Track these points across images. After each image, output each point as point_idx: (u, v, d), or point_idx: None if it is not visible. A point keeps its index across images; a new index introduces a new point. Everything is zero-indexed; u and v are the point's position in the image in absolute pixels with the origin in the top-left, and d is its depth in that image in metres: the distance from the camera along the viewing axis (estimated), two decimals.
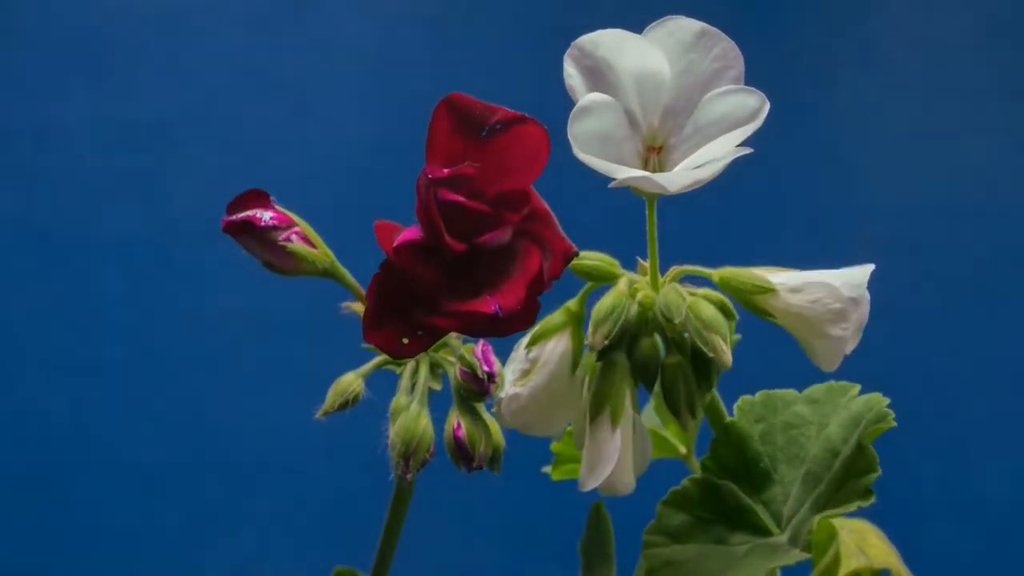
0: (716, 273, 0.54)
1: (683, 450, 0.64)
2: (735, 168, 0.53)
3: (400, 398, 0.57)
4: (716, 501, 0.56)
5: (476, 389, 0.56)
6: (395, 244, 0.50)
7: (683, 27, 0.52)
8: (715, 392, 0.56)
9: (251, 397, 1.31)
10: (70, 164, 1.34)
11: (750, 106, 0.51)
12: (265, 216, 0.57)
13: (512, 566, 1.30)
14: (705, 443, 0.59)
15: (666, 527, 0.56)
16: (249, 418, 1.31)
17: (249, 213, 0.56)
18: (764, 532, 0.55)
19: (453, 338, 0.56)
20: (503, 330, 0.50)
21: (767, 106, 0.51)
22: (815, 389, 0.57)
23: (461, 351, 0.57)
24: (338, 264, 0.57)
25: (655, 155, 0.52)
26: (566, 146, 0.50)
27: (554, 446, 0.65)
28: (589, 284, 0.55)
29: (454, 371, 0.57)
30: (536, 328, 0.55)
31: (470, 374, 0.56)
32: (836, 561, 0.53)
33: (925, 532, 1.24)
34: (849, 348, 0.55)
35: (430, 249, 0.50)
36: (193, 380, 1.32)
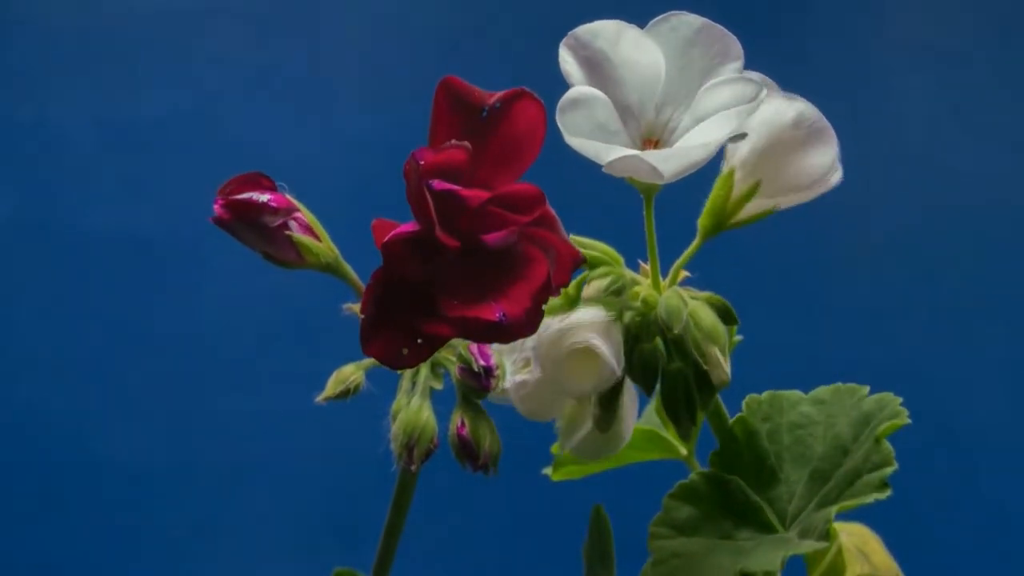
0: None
1: (683, 451, 0.64)
2: None
3: (401, 399, 0.56)
4: (723, 496, 0.56)
5: (474, 384, 0.56)
6: (385, 239, 0.49)
7: (685, 22, 0.52)
8: (717, 398, 0.56)
9: (251, 397, 1.31)
10: (70, 164, 1.34)
11: (748, 94, 0.51)
12: (262, 199, 0.55)
13: (513, 568, 1.30)
14: (705, 444, 0.59)
15: (672, 520, 0.56)
16: (249, 418, 1.31)
17: (246, 196, 0.55)
18: (769, 529, 0.55)
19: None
20: (506, 338, 0.49)
21: (764, 92, 0.50)
22: (822, 390, 0.58)
23: (460, 348, 0.56)
24: (342, 259, 0.57)
25: (652, 148, 0.52)
26: (565, 149, 0.50)
27: (554, 448, 0.65)
28: (586, 273, 0.54)
29: (455, 369, 0.56)
30: None
31: (467, 369, 0.56)
32: (839, 564, 0.53)
33: (924, 533, 1.24)
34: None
35: (425, 245, 0.49)
36: (193, 380, 1.32)
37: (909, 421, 0.54)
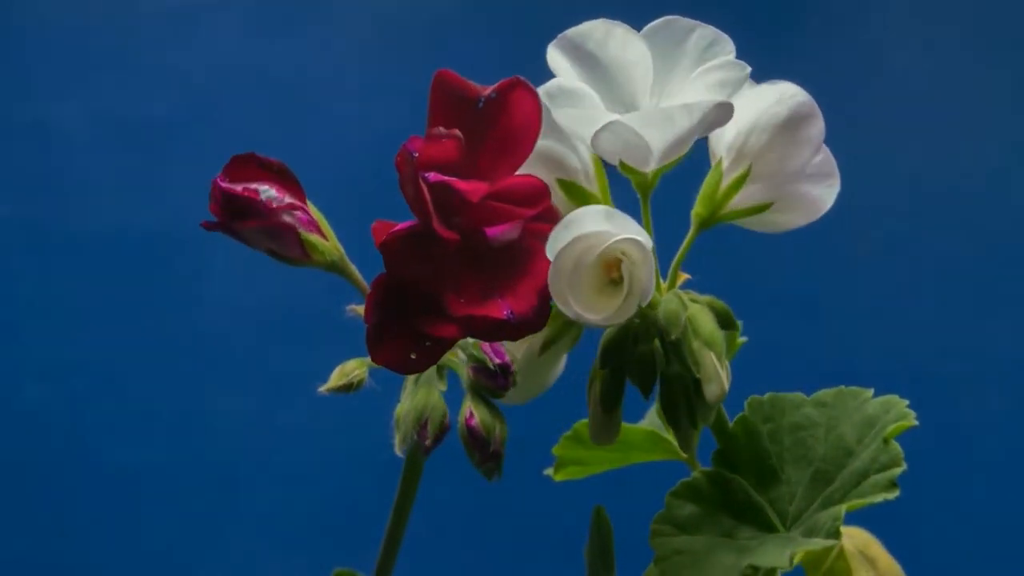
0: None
1: (685, 453, 0.64)
2: None
3: (405, 401, 0.56)
4: (725, 495, 0.56)
5: (491, 384, 0.55)
6: (383, 238, 0.48)
7: (680, 26, 0.52)
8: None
9: (252, 397, 1.31)
10: (70, 164, 1.34)
11: (734, 70, 0.51)
12: (268, 194, 0.54)
13: (515, 568, 1.30)
14: (707, 445, 0.59)
15: (674, 517, 0.56)
16: (250, 418, 1.31)
17: (247, 192, 0.54)
18: (770, 529, 0.55)
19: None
20: (514, 335, 0.49)
21: (749, 69, 0.51)
22: (824, 393, 0.58)
23: (470, 349, 0.56)
24: (347, 258, 0.56)
25: None
26: None
27: (555, 450, 0.65)
28: None
29: (464, 371, 0.56)
30: None
31: (482, 369, 0.55)
32: (841, 569, 0.53)
33: (924, 534, 1.24)
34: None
35: (424, 241, 0.49)
36: (192, 380, 1.32)
37: (916, 423, 0.54)
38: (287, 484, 1.31)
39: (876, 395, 0.56)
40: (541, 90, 0.51)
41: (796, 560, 0.53)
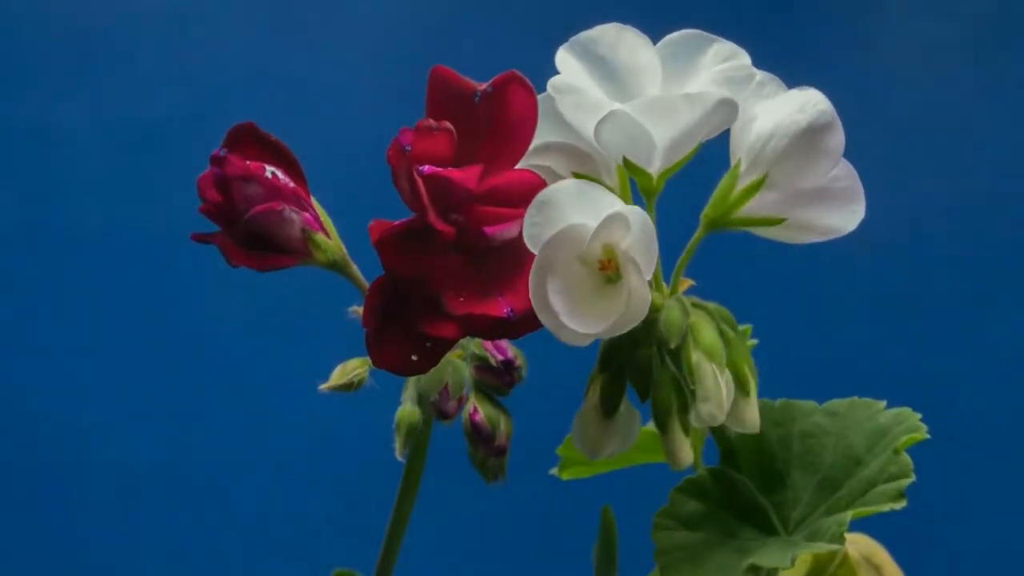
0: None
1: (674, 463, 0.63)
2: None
3: (407, 406, 0.55)
4: (729, 494, 0.56)
5: (496, 381, 0.55)
6: (378, 236, 0.48)
7: (700, 39, 0.52)
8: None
9: (251, 397, 1.31)
10: (70, 164, 1.34)
11: (739, 76, 0.51)
12: (276, 174, 0.53)
13: (518, 569, 1.30)
14: (712, 448, 0.59)
15: (677, 513, 0.56)
16: (250, 418, 1.31)
17: (254, 164, 0.53)
18: (771, 532, 0.55)
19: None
20: (512, 334, 0.49)
21: (755, 71, 0.51)
22: (837, 403, 0.58)
23: (472, 348, 0.55)
24: (348, 258, 0.55)
25: None
26: None
27: (559, 450, 0.65)
28: None
29: (468, 371, 0.55)
30: None
31: (485, 367, 0.55)
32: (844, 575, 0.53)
33: (928, 540, 1.24)
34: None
35: (420, 237, 0.48)
36: (192, 380, 1.32)
37: (928, 436, 0.54)
38: (287, 484, 1.31)
39: (886, 406, 0.56)
40: (548, 84, 0.51)
41: (799, 562, 0.53)
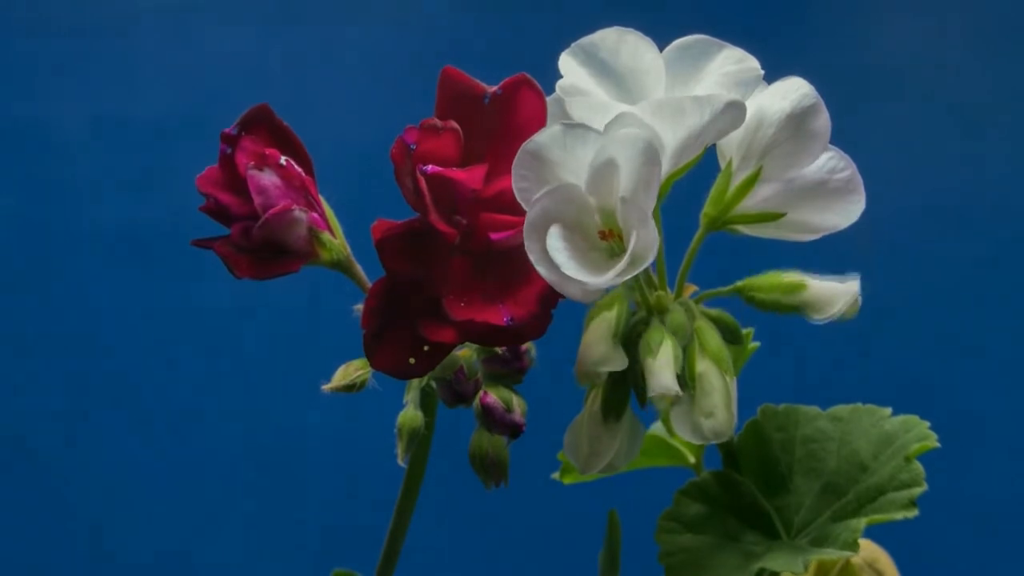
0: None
1: (692, 459, 0.63)
2: None
3: (409, 409, 0.55)
4: (733, 497, 0.56)
5: (507, 369, 0.55)
6: (380, 235, 0.48)
7: (709, 45, 0.52)
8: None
9: (252, 398, 1.31)
10: (70, 164, 1.34)
11: (747, 78, 0.51)
12: (297, 215, 0.52)
13: (520, 572, 1.30)
14: (714, 452, 0.59)
15: (681, 515, 0.56)
16: (249, 418, 1.30)
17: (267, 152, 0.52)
18: (774, 536, 0.55)
19: None
20: (511, 342, 0.49)
21: (762, 72, 0.51)
22: (840, 408, 0.58)
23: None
24: (352, 258, 0.55)
25: None
26: None
27: (561, 455, 0.65)
28: None
29: (479, 362, 0.55)
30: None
31: (494, 358, 0.54)
32: None
33: (932, 545, 1.24)
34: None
35: (422, 239, 0.48)
36: (193, 380, 1.31)
37: (938, 445, 0.54)
38: (288, 485, 1.31)
39: (891, 413, 0.56)
40: (557, 86, 0.51)
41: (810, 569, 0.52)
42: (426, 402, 0.56)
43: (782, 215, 0.53)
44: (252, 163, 0.51)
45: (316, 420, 1.27)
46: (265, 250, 0.52)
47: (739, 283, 0.54)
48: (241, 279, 0.53)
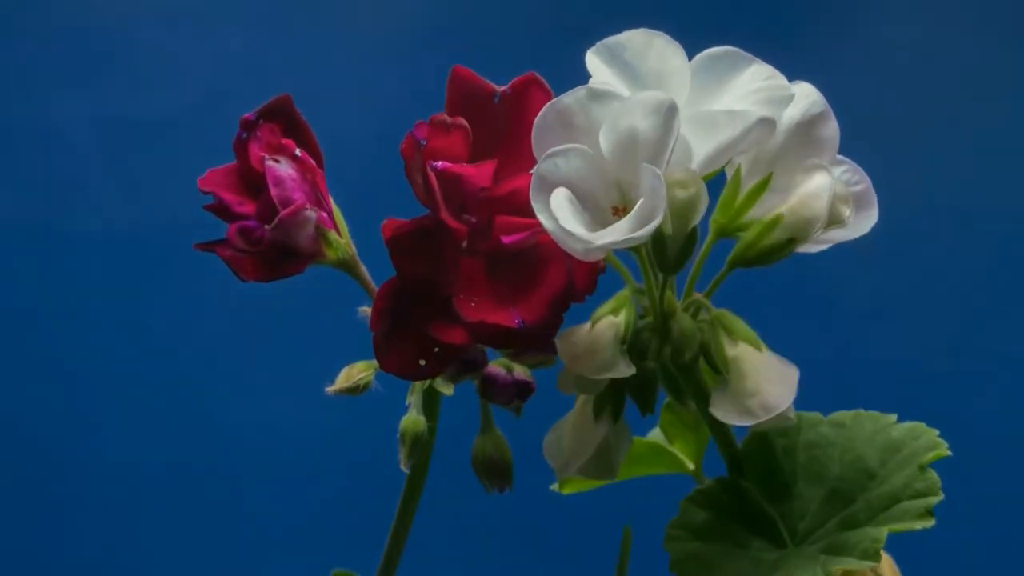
0: None
1: (691, 466, 0.63)
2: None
3: (411, 414, 0.55)
4: (739, 504, 0.56)
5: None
6: (390, 233, 0.48)
7: (740, 58, 0.52)
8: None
9: (252, 398, 1.31)
10: (70, 164, 1.34)
11: (779, 96, 0.50)
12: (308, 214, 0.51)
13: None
14: (712, 459, 0.59)
15: (689, 523, 0.56)
16: (250, 419, 1.30)
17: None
18: (780, 543, 0.55)
19: None
20: (521, 345, 0.49)
21: (793, 92, 0.50)
22: (842, 414, 0.57)
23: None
24: (358, 258, 0.55)
25: None
26: None
27: None
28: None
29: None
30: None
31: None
32: None
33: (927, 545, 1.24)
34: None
35: (432, 237, 0.48)
36: (193, 381, 1.31)
37: (950, 453, 0.53)
38: (289, 486, 1.31)
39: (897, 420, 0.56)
40: (589, 88, 0.50)
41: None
42: (429, 405, 0.56)
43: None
44: (269, 154, 0.51)
45: (316, 421, 1.26)
46: (271, 251, 0.52)
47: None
48: (246, 282, 0.52)
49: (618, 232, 0.46)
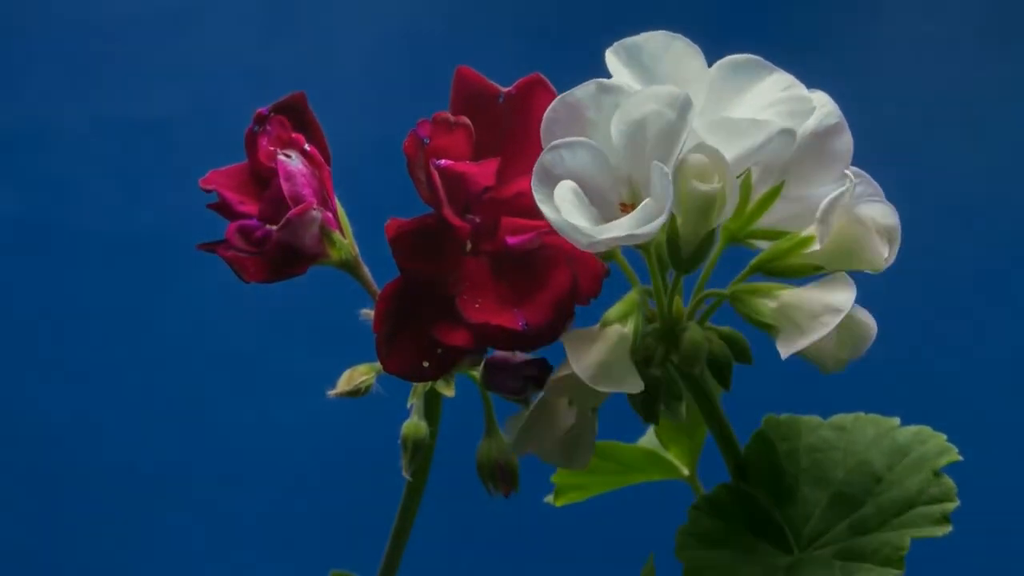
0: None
1: (686, 472, 0.63)
2: None
3: (413, 419, 0.55)
4: (747, 510, 0.56)
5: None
6: (393, 232, 0.48)
7: (760, 66, 0.51)
8: (725, 418, 0.55)
9: (252, 399, 1.31)
10: (70, 164, 1.34)
11: (801, 109, 0.50)
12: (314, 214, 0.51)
13: None
14: (706, 465, 0.58)
15: (699, 530, 0.55)
16: (251, 421, 1.30)
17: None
18: (786, 547, 0.55)
19: None
20: (525, 347, 0.49)
21: (815, 106, 0.50)
22: (843, 417, 0.57)
23: None
24: (360, 259, 0.54)
25: None
26: None
27: (554, 478, 0.64)
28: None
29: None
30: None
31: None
32: None
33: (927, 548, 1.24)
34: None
35: (436, 236, 0.48)
36: (193, 382, 1.31)
37: (961, 458, 0.53)
38: (289, 487, 1.31)
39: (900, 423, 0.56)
40: (600, 82, 0.49)
41: None
42: (430, 407, 0.56)
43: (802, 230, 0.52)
44: (280, 149, 0.51)
45: (318, 422, 1.27)
46: (275, 252, 0.52)
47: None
48: (249, 283, 0.52)
49: (621, 228, 0.45)
